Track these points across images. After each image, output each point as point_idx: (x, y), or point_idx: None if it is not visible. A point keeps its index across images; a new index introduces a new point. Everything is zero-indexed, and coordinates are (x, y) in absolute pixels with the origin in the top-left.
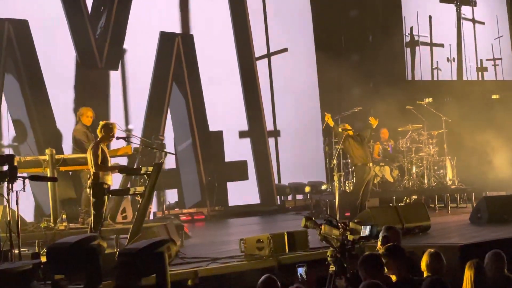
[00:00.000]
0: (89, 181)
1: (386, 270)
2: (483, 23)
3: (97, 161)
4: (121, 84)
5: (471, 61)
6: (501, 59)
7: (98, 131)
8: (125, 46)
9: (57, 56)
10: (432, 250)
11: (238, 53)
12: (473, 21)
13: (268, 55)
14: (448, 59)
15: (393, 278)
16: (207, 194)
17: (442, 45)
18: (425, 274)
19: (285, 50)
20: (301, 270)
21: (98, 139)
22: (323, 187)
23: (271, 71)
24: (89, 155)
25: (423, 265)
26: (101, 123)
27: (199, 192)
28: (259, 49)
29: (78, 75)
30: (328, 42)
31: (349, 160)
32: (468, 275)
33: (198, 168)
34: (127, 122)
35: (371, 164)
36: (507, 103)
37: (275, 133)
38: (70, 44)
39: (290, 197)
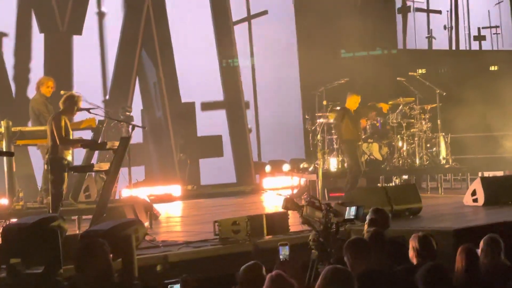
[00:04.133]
0: (47, 156)
1: None
2: None
3: (61, 133)
4: (85, 50)
5: (467, 29)
6: (498, 26)
7: (61, 102)
8: (89, 7)
9: (13, 18)
10: (420, 234)
11: (214, 16)
12: None
13: (248, 19)
14: (445, 27)
15: None
16: (178, 172)
17: (439, 12)
18: (415, 262)
19: (265, 12)
20: (283, 249)
21: (60, 110)
22: (305, 165)
23: (252, 37)
24: (49, 127)
25: (410, 251)
26: (66, 93)
27: (170, 169)
28: (237, 12)
29: (38, 40)
30: (310, 5)
31: (335, 137)
32: (459, 260)
33: (168, 143)
34: (91, 92)
35: (359, 142)
36: (506, 75)
37: (255, 105)
38: (29, 5)
39: (269, 176)
